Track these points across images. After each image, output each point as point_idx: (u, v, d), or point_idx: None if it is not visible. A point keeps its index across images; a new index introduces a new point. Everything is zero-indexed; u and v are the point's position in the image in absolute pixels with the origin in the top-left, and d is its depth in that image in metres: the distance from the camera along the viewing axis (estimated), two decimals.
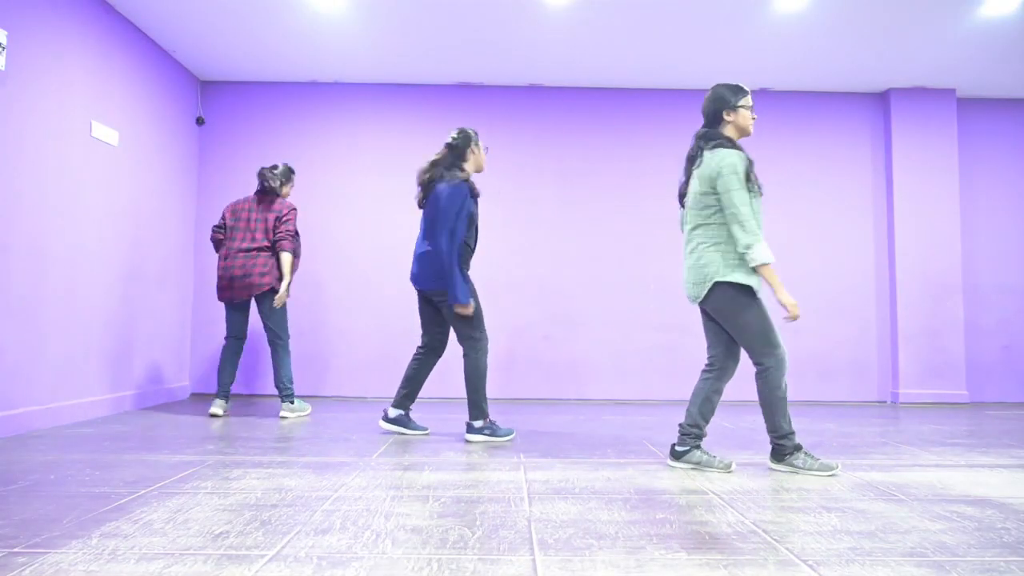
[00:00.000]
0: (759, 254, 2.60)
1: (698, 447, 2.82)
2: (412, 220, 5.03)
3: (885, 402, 5.72)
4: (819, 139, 5.89)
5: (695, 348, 5.68)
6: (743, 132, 2.80)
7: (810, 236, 5.82)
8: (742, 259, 2.66)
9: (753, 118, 2.80)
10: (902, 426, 4.26)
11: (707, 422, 2.83)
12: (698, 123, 5.97)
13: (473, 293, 3.49)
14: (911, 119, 5.77)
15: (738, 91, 2.78)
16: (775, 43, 4.96)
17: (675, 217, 5.78)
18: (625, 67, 5.42)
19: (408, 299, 5.59)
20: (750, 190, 2.64)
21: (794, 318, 2.64)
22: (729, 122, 2.78)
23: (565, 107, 5.82)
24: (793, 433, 2.76)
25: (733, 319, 2.69)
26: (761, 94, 5.87)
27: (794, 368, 5.20)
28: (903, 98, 5.79)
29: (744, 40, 4.92)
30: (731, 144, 2.72)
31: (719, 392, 2.84)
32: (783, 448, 2.75)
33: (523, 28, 4.75)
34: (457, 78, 5.68)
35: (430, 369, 3.67)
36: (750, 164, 2.68)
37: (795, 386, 5.60)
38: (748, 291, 2.68)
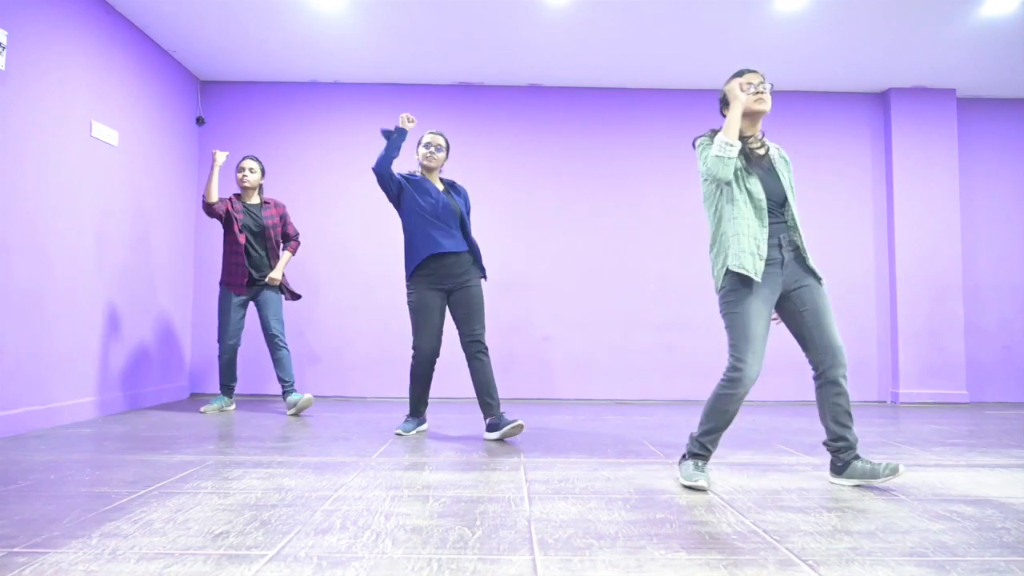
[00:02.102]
0: (716, 147, 2.44)
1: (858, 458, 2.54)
2: None
3: (885, 402, 5.72)
4: (819, 139, 5.89)
5: (695, 347, 5.68)
6: (748, 113, 2.54)
7: (810, 236, 5.81)
8: (725, 252, 2.51)
9: (758, 93, 2.50)
10: (902, 426, 4.26)
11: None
12: (698, 122, 5.97)
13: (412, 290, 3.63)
14: (911, 119, 5.77)
15: (730, 81, 2.58)
16: (775, 43, 4.96)
17: (672, 218, 5.79)
18: (625, 67, 5.41)
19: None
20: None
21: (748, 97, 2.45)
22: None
23: (566, 107, 5.82)
24: (698, 442, 2.56)
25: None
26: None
27: (793, 368, 5.18)
28: (903, 98, 5.79)
29: (743, 40, 4.92)
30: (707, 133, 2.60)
31: (836, 392, 2.51)
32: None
33: (523, 28, 4.75)
34: (457, 78, 5.68)
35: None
36: (713, 135, 2.54)
37: (795, 386, 5.60)
38: (735, 293, 2.48)
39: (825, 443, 2.58)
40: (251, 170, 4.47)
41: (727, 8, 4.47)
